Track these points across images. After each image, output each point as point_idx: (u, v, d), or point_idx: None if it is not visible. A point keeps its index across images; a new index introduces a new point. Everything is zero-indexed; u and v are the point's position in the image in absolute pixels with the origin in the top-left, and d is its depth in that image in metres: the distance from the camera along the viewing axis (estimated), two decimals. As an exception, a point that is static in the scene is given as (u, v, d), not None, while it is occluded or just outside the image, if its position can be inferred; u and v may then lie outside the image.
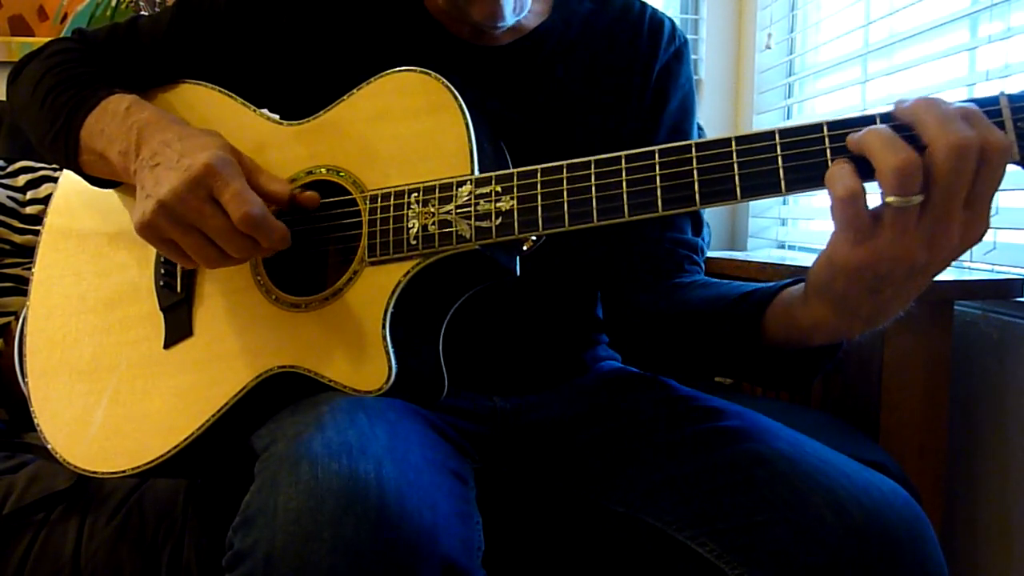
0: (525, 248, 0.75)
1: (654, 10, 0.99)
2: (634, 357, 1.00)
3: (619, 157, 0.69)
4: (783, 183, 0.62)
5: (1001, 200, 0.60)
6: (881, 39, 1.62)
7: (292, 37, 0.91)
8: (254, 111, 0.88)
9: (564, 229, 0.70)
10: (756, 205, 2.07)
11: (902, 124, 0.59)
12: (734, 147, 0.64)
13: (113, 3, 1.96)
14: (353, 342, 0.75)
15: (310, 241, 0.83)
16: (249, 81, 0.92)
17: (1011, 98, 0.58)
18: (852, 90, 1.72)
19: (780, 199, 2.04)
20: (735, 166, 0.64)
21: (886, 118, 0.60)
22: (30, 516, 0.94)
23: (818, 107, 1.92)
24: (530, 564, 0.85)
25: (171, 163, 0.75)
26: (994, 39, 1.28)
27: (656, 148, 0.67)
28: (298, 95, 0.88)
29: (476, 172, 0.74)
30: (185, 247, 0.76)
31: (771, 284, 0.77)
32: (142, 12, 1.93)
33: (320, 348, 0.77)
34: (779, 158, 0.62)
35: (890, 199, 0.57)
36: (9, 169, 1.50)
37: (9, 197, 1.45)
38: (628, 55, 0.94)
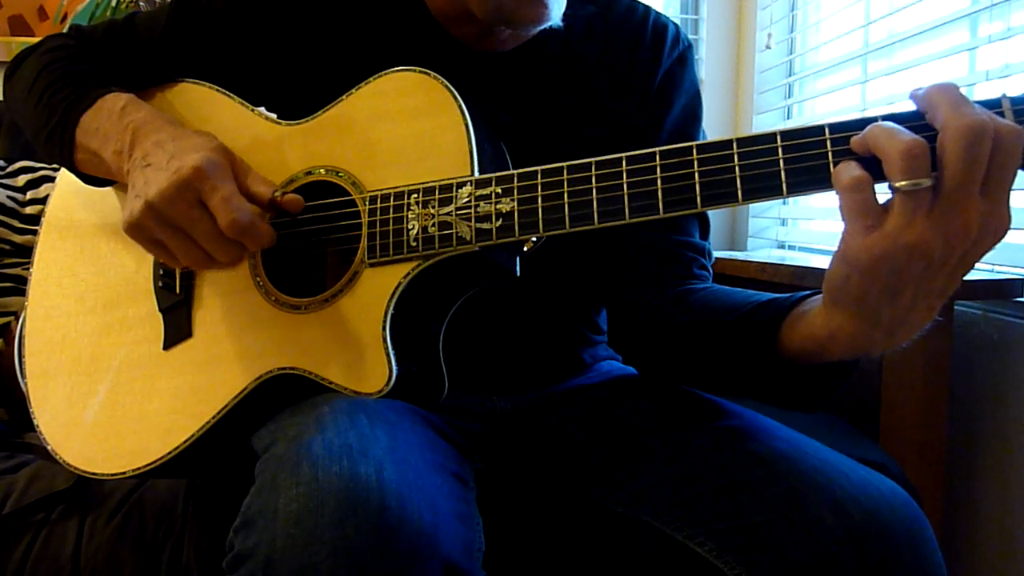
0: (526, 249, 0.75)
1: (658, 14, 0.98)
2: (642, 368, 0.96)
3: (620, 159, 0.68)
4: (785, 186, 0.62)
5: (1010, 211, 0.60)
6: (881, 39, 1.62)
7: (291, 36, 0.90)
8: (252, 110, 0.88)
9: (565, 231, 0.70)
10: (756, 205, 2.07)
11: (915, 113, 0.58)
12: (735, 149, 0.64)
13: (113, 3, 1.96)
14: (353, 344, 0.75)
15: (309, 242, 0.83)
16: (247, 80, 0.92)
17: (1013, 100, 0.57)
18: (852, 90, 1.72)
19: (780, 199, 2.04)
20: (736, 168, 0.63)
21: (888, 120, 0.60)
22: (30, 516, 0.94)
23: (818, 107, 1.92)
24: (530, 564, 0.85)
25: (161, 164, 0.75)
26: (994, 39, 1.28)
27: (657, 150, 0.67)
28: (296, 94, 0.88)
29: (476, 173, 0.74)
30: (172, 249, 0.76)
31: (789, 295, 0.74)
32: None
33: (320, 350, 0.77)
34: (781, 160, 0.62)
35: (898, 183, 0.56)
36: (9, 169, 1.50)
37: (9, 197, 1.45)
38: (631, 59, 0.94)
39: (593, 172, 0.69)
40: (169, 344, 0.86)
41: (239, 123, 0.87)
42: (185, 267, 0.82)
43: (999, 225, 0.58)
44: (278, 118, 0.88)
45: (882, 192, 0.59)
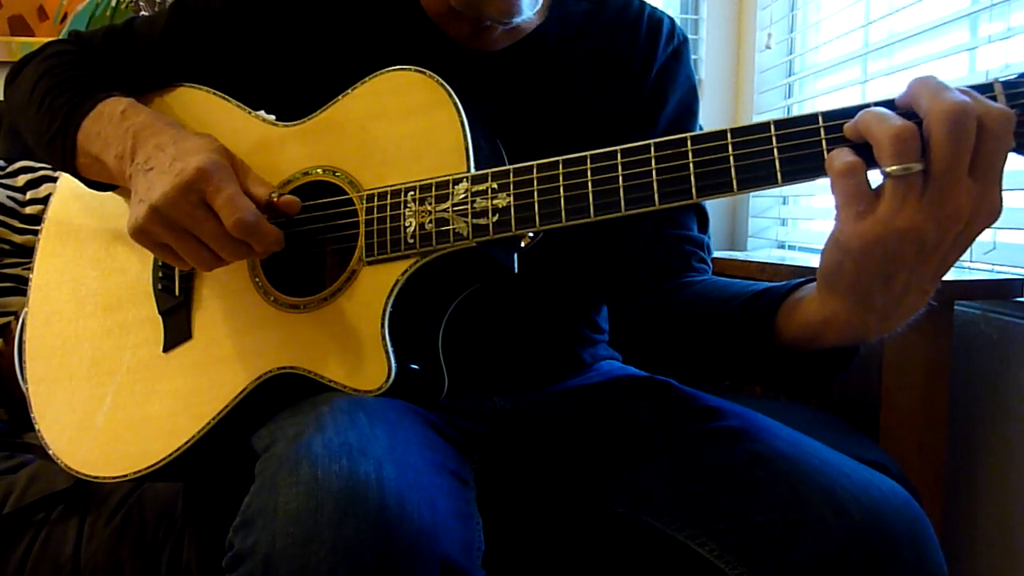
0: (523, 245, 0.75)
1: (653, 9, 0.98)
2: (641, 359, 0.98)
3: (615, 152, 0.69)
4: (779, 174, 0.62)
5: (1002, 195, 0.60)
6: (881, 39, 1.62)
7: (288, 39, 0.90)
8: (250, 113, 0.88)
9: (561, 225, 0.70)
10: (756, 205, 2.07)
11: (902, 111, 0.59)
12: (729, 139, 0.64)
13: (113, 3, 1.96)
14: (352, 342, 0.75)
15: (307, 242, 0.83)
16: (245, 83, 0.92)
17: (1005, 84, 0.58)
18: (852, 90, 1.72)
19: (780, 199, 2.04)
20: (731, 158, 0.64)
21: (881, 106, 0.60)
22: (30, 516, 0.94)
23: (818, 107, 1.91)
24: (530, 564, 0.85)
25: (164, 167, 0.75)
26: (994, 39, 1.28)
27: (652, 142, 0.67)
28: (294, 96, 0.88)
29: (472, 170, 0.74)
30: (179, 251, 0.76)
31: (784, 283, 0.75)
32: (142, 12, 1.93)
33: (319, 349, 0.77)
34: (775, 149, 0.62)
35: (889, 168, 0.56)
36: (9, 169, 1.50)
37: (9, 197, 1.45)
38: (626, 55, 0.94)
39: (588, 165, 0.69)
40: (169, 346, 0.86)
41: (237, 126, 0.87)
42: (192, 269, 0.81)
43: (991, 208, 0.58)
44: (276, 119, 0.88)
45: (876, 181, 0.59)
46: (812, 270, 0.75)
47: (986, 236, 1.26)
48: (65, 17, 1.96)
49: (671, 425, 0.83)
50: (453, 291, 0.79)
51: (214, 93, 0.91)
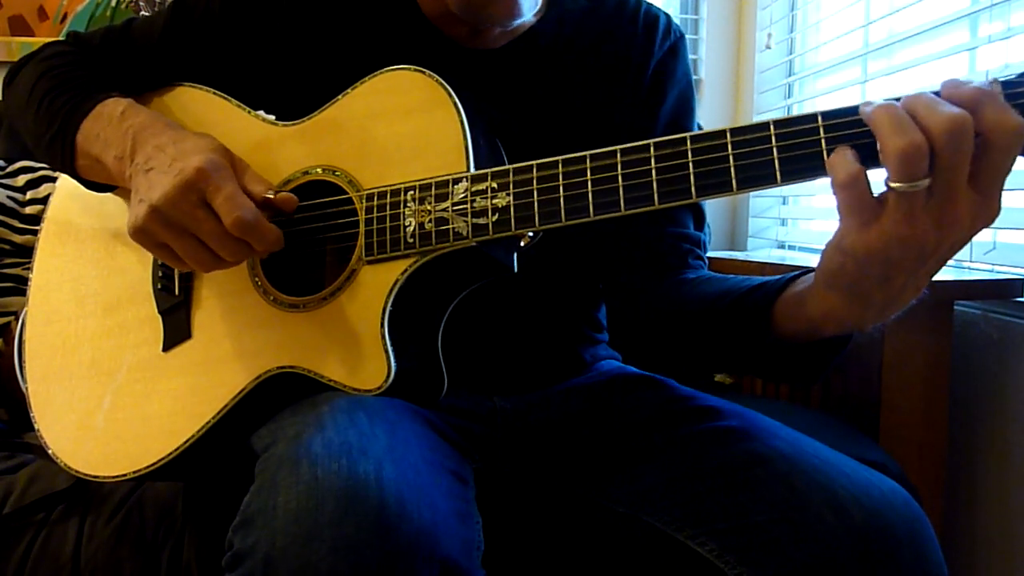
0: (523, 244, 0.75)
1: (649, 5, 0.98)
2: (640, 355, 0.99)
3: (614, 151, 0.69)
4: (779, 174, 0.62)
5: (1001, 200, 0.61)
6: (881, 39, 1.62)
7: (287, 39, 0.90)
8: (249, 113, 0.88)
9: (560, 224, 0.70)
10: (756, 205, 2.08)
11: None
12: (729, 139, 0.64)
13: (113, 3, 1.96)
14: (352, 341, 0.75)
15: (307, 241, 0.83)
16: (245, 83, 0.92)
17: (1005, 84, 0.58)
18: (852, 90, 1.72)
19: (780, 199, 2.04)
20: (730, 157, 0.64)
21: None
22: (30, 516, 0.94)
23: (818, 107, 1.91)
24: (530, 564, 0.85)
25: (164, 167, 0.76)
26: (994, 39, 1.28)
27: (651, 141, 0.67)
28: (294, 96, 0.88)
29: (472, 169, 0.74)
30: (178, 251, 0.76)
31: (780, 276, 0.76)
32: (142, 12, 1.93)
33: (319, 348, 0.77)
34: (774, 148, 0.62)
35: (894, 184, 0.56)
36: (9, 169, 1.50)
37: (9, 197, 1.45)
38: (623, 52, 0.94)
39: (588, 165, 0.69)
40: (168, 346, 0.86)
41: (237, 125, 0.87)
42: (192, 269, 0.81)
43: (990, 213, 0.59)
44: (276, 119, 0.88)
45: (875, 179, 0.59)
46: (812, 270, 0.75)
47: (986, 236, 1.27)
48: (65, 17, 1.96)
49: (671, 425, 0.84)
50: (453, 290, 0.79)
51: (214, 93, 0.91)
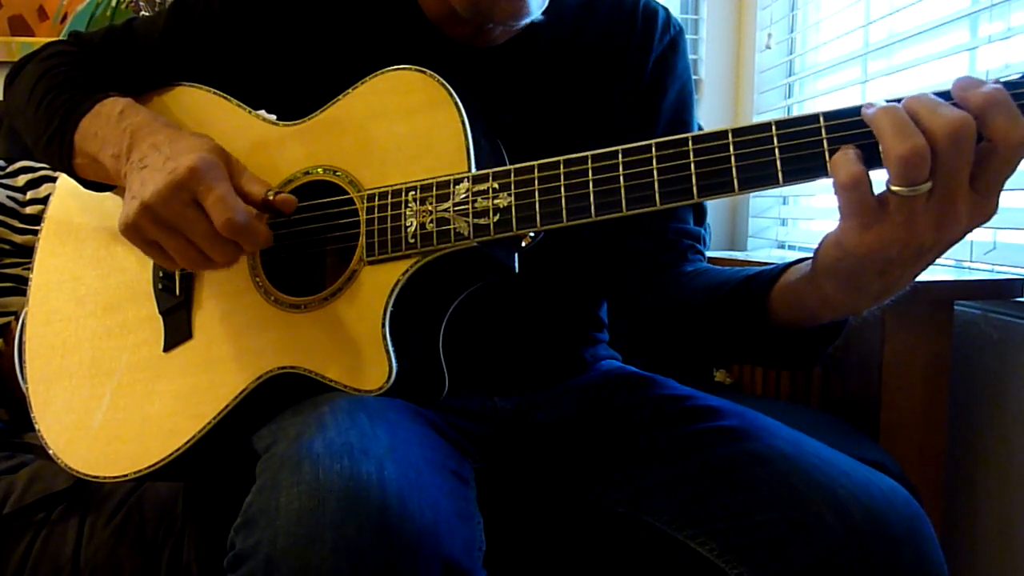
0: (524, 244, 0.75)
1: (648, 0, 0.98)
2: (641, 349, 0.99)
3: (616, 152, 0.69)
4: (780, 174, 0.62)
5: (1001, 200, 0.61)
6: (881, 39, 1.62)
7: (287, 39, 0.90)
8: (250, 112, 0.88)
9: (562, 224, 0.70)
10: (756, 205, 2.08)
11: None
12: (731, 139, 0.64)
13: (113, 3, 1.96)
14: (353, 342, 0.75)
15: (308, 241, 0.83)
16: (245, 82, 0.92)
17: (1006, 84, 0.57)
18: (852, 90, 1.72)
19: (780, 199, 2.04)
20: (732, 158, 0.64)
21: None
22: (30, 516, 0.94)
23: (818, 107, 1.91)
24: (530, 564, 0.85)
25: (157, 166, 0.75)
26: (994, 39, 1.28)
27: (653, 142, 0.67)
28: (294, 96, 0.88)
29: (473, 169, 0.74)
30: (168, 249, 0.76)
31: (775, 264, 0.77)
32: (142, 12, 1.93)
33: (320, 348, 0.77)
34: (776, 149, 0.62)
35: (896, 188, 0.57)
36: (9, 169, 1.50)
37: (9, 197, 1.45)
38: (622, 47, 0.94)
39: (590, 165, 0.69)
40: (169, 346, 0.86)
41: (237, 125, 0.87)
42: (181, 269, 0.81)
43: (987, 212, 0.60)
44: (277, 119, 0.88)
45: (877, 179, 0.59)
46: (809, 259, 0.76)
47: (986, 236, 1.27)
48: (65, 17, 1.96)
49: (671, 425, 0.84)
50: (454, 291, 0.79)
51: (214, 92, 0.91)
